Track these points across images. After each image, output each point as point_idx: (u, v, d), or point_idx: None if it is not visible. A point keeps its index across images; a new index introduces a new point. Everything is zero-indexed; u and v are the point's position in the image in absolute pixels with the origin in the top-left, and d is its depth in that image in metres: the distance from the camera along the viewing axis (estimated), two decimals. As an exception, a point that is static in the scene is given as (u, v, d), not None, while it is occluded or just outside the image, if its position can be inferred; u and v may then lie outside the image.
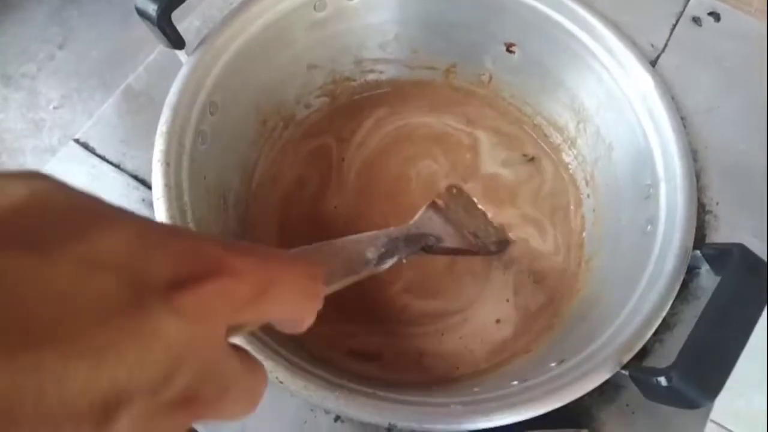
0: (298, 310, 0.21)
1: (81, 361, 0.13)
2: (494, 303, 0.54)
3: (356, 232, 0.54)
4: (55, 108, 0.65)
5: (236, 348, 0.20)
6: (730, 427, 0.43)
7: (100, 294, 0.14)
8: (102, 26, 0.71)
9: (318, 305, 0.22)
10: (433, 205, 0.50)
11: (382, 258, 0.37)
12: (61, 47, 0.69)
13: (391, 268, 0.38)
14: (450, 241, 0.48)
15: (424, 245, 0.44)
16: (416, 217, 0.48)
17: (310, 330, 0.23)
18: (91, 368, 0.14)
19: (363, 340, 0.51)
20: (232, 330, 0.20)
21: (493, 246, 0.54)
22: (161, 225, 0.18)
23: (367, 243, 0.37)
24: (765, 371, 0.43)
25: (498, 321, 0.53)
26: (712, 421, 0.42)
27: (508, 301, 0.54)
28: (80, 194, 0.16)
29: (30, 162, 0.66)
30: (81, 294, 0.14)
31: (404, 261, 0.41)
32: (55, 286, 0.14)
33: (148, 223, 0.17)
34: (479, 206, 0.56)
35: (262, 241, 0.56)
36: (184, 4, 0.49)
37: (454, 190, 0.56)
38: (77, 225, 0.15)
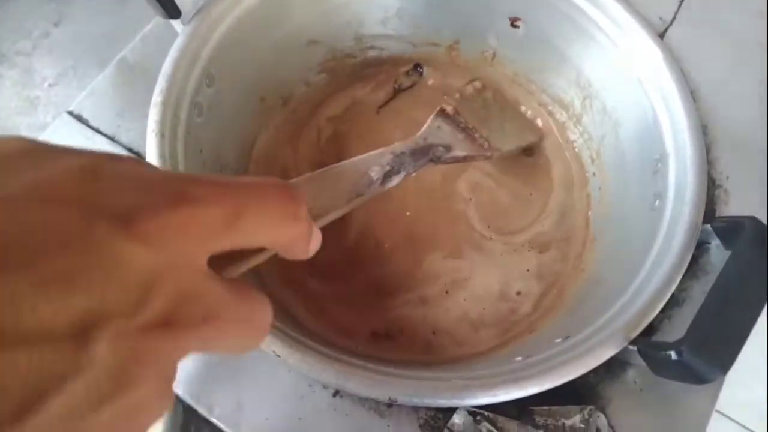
0: (282, 233, 0.21)
1: (51, 287, 0.14)
2: (497, 277, 0.53)
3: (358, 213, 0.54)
4: (50, 85, 0.64)
5: (231, 280, 0.19)
6: (732, 416, 0.41)
7: (57, 225, 0.15)
8: (98, 3, 0.69)
9: (306, 226, 0.21)
10: (442, 112, 0.47)
11: (387, 176, 0.36)
12: (56, 24, 0.68)
13: (398, 185, 0.37)
14: (460, 149, 0.45)
15: (432, 157, 0.42)
16: (423, 127, 0.45)
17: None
18: (61, 292, 0.14)
19: (382, 317, 0.51)
20: (226, 262, 0.20)
21: (513, 147, 0.51)
22: (123, 161, 0.17)
23: (371, 162, 0.35)
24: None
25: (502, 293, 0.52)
26: (718, 411, 0.41)
27: (509, 281, 0.53)
28: (44, 143, 0.17)
29: (25, 141, 0.65)
30: (39, 225, 0.14)
31: (412, 175, 0.39)
32: (14, 219, 0.14)
33: (106, 158, 0.17)
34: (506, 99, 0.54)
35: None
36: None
37: (477, 84, 0.53)
38: (33, 163, 0.16)
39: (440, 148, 0.43)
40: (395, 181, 0.37)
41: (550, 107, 0.60)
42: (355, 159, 0.36)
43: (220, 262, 0.19)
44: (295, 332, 0.39)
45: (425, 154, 0.42)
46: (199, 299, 0.17)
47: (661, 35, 0.52)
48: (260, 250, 0.22)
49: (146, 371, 0.15)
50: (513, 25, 0.58)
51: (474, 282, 0.53)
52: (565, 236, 0.55)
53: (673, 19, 0.53)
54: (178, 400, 0.43)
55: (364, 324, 0.50)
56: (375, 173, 0.35)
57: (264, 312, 0.20)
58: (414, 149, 0.41)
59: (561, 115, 0.59)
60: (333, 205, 0.30)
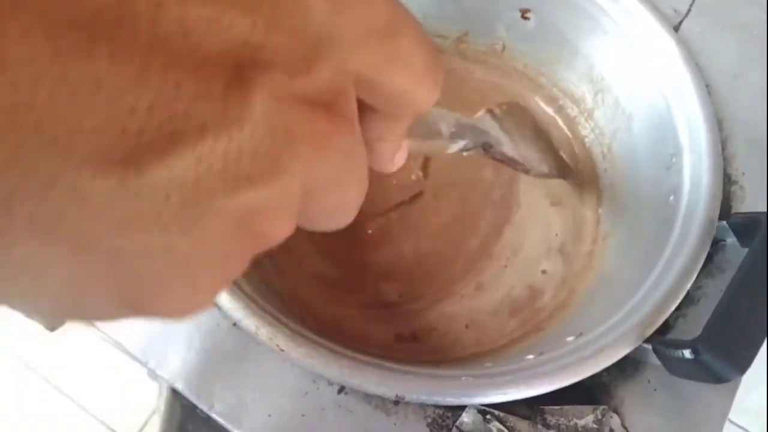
0: (416, 88, 0.17)
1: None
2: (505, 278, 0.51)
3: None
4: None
5: None
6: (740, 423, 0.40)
7: None
8: None
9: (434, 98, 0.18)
10: (490, 111, 0.46)
11: (453, 136, 0.35)
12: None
13: (456, 153, 0.36)
14: (507, 148, 0.45)
15: (485, 143, 0.41)
16: (477, 115, 0.44)
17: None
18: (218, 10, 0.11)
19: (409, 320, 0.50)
20: None
21: (545, 171, 0.51)
22: None
23: (439, 117, 0.34)
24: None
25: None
26: (730, 421, 0.40)
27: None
28: None
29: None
30: None
31: (464, 154, 0.38)
32: None
33: None
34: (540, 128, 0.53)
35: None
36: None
37: (504, 108, 0.53)
38: None
39: (493, 138, 0.43)
40: (456, 146, 0.36)
41: (560, 102, 0.59)
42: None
43: None
44: (299, 326, 0.38)
45: (481, 135, 0.41)
46: (352, 98, 0.15)
47: (676, 28, 0.51)
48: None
49: (292, 159, 0.13)
50: (523, 17, 0.57)
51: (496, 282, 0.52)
52: (575, 234, 0.54)
53: (688, 11, 0.52)
54: (177, 397, 0.42)
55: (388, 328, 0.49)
56: (444, 127, 0.34)
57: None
58: (474, 126, 0.40)
59: (572, 110, 0.58)
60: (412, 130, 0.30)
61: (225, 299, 0.38)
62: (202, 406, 0.38)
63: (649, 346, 0.38)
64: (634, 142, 0.51)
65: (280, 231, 0.14)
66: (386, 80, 0.16)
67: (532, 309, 0.50)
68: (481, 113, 0.44)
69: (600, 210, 0.54)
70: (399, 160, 0.22)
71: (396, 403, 0.38)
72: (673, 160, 0.46)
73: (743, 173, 0.46)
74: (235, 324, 0.38)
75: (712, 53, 0.50)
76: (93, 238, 0.11)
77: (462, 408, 0.38)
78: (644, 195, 0.49)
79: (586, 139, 0.57)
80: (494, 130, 0.44)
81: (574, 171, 0.55)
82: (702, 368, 0.35)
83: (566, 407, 0.38)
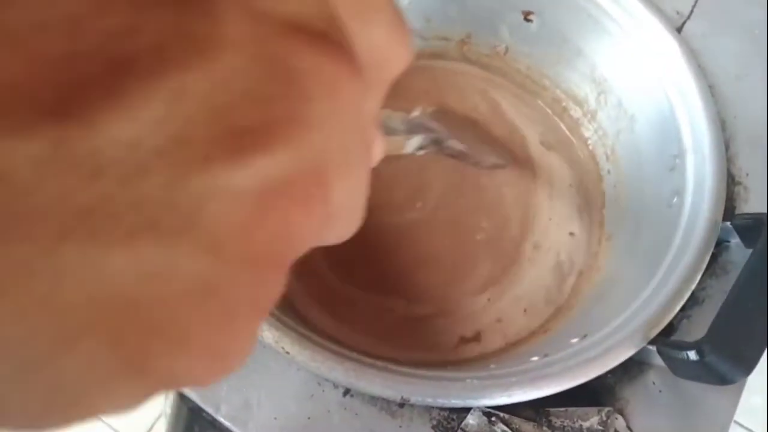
0: (391, 39, 0.14)
1: None
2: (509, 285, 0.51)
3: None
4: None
5: None
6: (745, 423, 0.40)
7: None
8: None
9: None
10: (424, 111, 0.46)
11: (407, 133, 0.36)
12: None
13: (412, 153, 0.36)
14: (455, 143, 0.44)
15: (435, 138, 0.41)
16: (414, 113, 0.43)
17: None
18: None
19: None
20: None
21: (494, 159, 0.51)
22: None
23: (387, 116, 0.34)
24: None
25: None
26: (736, 422, 0.40)
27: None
28: None
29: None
30: None
31: (420, 153, 0.38)
32: None
33: None
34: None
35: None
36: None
37: (434, 109, 0.52)
38: None
39: (442, 133, 0.42)
40: (412, 144, 0.36)
41: (564, 103, 0.59)
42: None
43: None
44: (306, 329, 0.38)
45: (431, 130, 0.41)
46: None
47: (679, 29, 0.51)
48: None
49: (302, 102, 0.10)
50: (526, 19, 0.57)
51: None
52: (580, 234, 0.54)
53: (691, 12, 0.52)
54: (183, 401, 0.42)
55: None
56: (396, 124, 0.34)
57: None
58: (422, 123, 0.40)
59: (575, 112, 0.58)
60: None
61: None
62: (208, 409, 0.38)
63: (653, 348, 0.38)
64: (637, 143, 0.51)
65: (314, 219, 0.10)
66: (362, 30, 0.13)
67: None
68: (417, 113, 0.43)
69: (604, 211, 0.54)
70: (376, 153, 0.17)
71: (401, 405, 0.38)
72: (677, 161, 0.46)
73: (747, 174, 0.46)
74: (240, 327, 0.38)
75: (714, 54, 0.50)
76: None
77: (467, 410, 0.38)
78: (648, 196, 0.49)
79: (590, 141, 0.57)
80: (439, 127, 0.43)
81: (519, 157, 0.54)
82: (707, 370, 0.35)
83: (571, 409, 0.38)
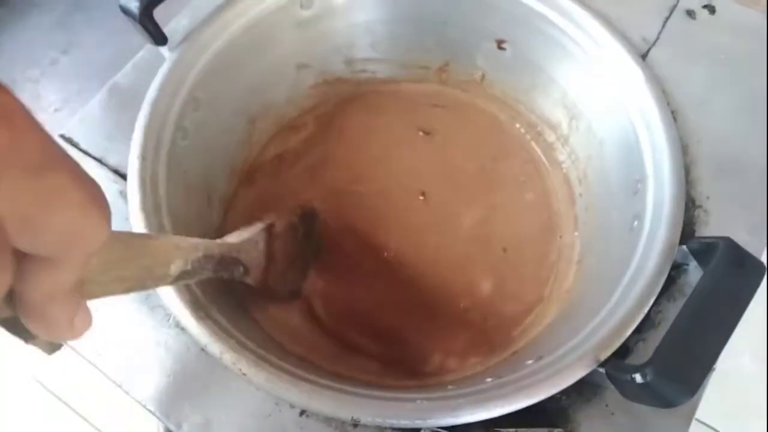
0: (80, 223, 0.17)
1: None
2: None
3: (348, 238, 0.54)
4: (56, 110, 0.67)
5: None
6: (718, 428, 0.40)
7: None
8: (106, 31, 0.73)
9: (102, 236, 0.18)
10: (268, 229, 0.45)
11: (181, 276, 0.32)
12: (65, 52, 0.71)
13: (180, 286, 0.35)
14: (251, 278, 0.42)
15: (230, 272, 0.39)
16: (244, 235, 0.42)
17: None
18: None
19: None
20: None
21: (286, 291, 0.50)
22: None
23: (180, 253, 0.32)
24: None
25: (486, 319, 0.52)
26: (699, 420, 0.40)
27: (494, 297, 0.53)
28: None
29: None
30: None
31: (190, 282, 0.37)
32: None
33: None
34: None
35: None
36: (172, 4, 0.49)
37: (306, 211, 0.52)
38: None
39: (241, 269, 0.41)
40: (185, 282, 0.34)
41: (538, 128, 0.60)
42: (170, 239, 0.33)
43: None
44: (262, 350, 0.40)
45: (227, 268, 0.39)
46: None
47: (644, 55, 0.52)
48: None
49: None
50: (500, 47, 0.58)
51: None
52: (553, 259, 0.55)
53: (657, 39, 0.53)
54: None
55: None
56: (175, 268, 0.31)
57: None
58: (223, 257, 0.38)
59: (549, 136, 0.59)
60: (114, 285, 0.26)
61: (193, 325, 0.40)
62: (171, 426, 0.40)
63: (603, 370, 0.39)
64: (606, 167, 0.52)
65: None
66: (45, 218, 0.16)
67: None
68: (256, 231, 0.43)
69: (576, 233, 0.55)
70: (81, 324, 0.19)
71: (355, 425, 0.40)
72: (639, 185, 0.47)
73: (708, 197, 0.47)
74: (203, 348, 0.40)
75: (679, 79, 0.51)
76: None
77: (419, 430, 0.39)
78: (614, 220, 0.50)
79: (563, 165, 0.58)
80: (255, 255, 0.42)
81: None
82: (651, 392, 0.36)
83: (520, 429, 0.39)
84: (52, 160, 0.16)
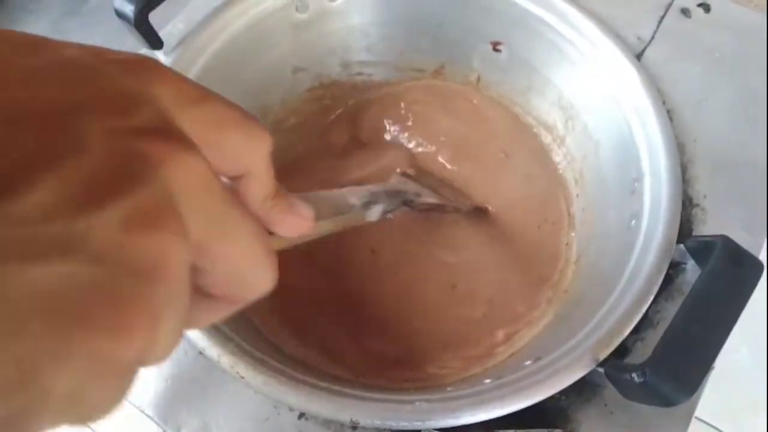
0: (245, 137, 0.20)
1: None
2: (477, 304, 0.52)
3: (349, 241, 0.55)
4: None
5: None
6: (718, 426, 0.40)
7: None
8: (101, 36, 0.72)
9: (268, 143, 0.21)
10: (405, 174, 0.51)
11: (366, 205, 0.36)
12: (60, 58, 0.70)
13: (379, 219, 0.38)
14: (429, 196, 0.48)
15: (405, 199, 0.44)
16: (391, 180, 0.48)
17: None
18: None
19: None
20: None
21: (467, 204, 0.56)
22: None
23: (348, 193, 0.36)
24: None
25: (485, 315, 0.52)
26: (698, 419, 0.40)
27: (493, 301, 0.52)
28: None
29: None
30: None
31: (390, 216, 0.40)
32: None
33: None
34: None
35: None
36: (168, 8, 0.49)
37: (414, 170, 0.57)
38: None
39: (411, 194, 0.46)
40: (374, 212, 0.37)
41: (534, 129, 0.60)
42: (330, 191, 0.36)
43: None
44: (260, 353, 0.40)
45: (398, 195, 0.43)
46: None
47: (639, 55, 0.52)
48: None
49: (146, 167, 0.14)
50: (495, 49, 0.58)
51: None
52: (550, 257, 0.55)
53: (652, 38, 0.53)
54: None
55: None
56: (354, 200, 0.36)
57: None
58: (387, 190, 0.42)
59: (545, 137, 0.59)
60: (320, 211, 0.31)
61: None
62: (169, 430, 0.40)
63: (602, 370, 0.39)
64: (602, 167, 0.52)
65: (172, 236, 0.14)
66: (218, 136, 0.18)
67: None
68: (395, 176, 0.49)
69: (572, 233, 0.55)
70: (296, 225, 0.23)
71: (354, 428, 0.40)
72: (636, 184, 0.47)
73: (705, 196, 0.47)
74: (201, 352, 0.40)
75: (675, 78, 0.51)
76: None
77: (418, 431, 0.39)
78: (611, 219, 0.50)
79: (560, 165, 0.58)
80: (412, 186, 0.47)
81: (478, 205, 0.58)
82: (650, 391, 0.36)
83: (520, 431, 0.39)
84: (209, 92, 0.19)
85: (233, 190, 0.20)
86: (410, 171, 0.53)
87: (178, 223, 0.15)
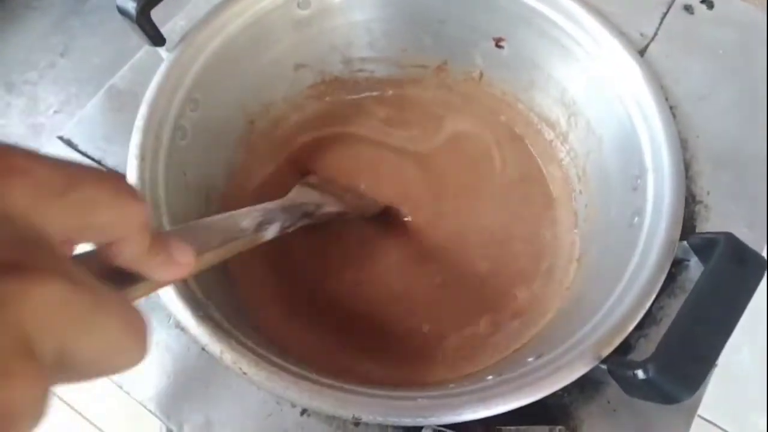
0: (123, 211, 0.19)
1: None
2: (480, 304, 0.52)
3: (350, 239, 0.55)
4: (55, 112, 0.67)
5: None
6: (720, 424, 0.40)
7: None
8: (103, 35, 0.72)
9: (144, 207, 0.20)
10: (306, 183, 0.51)
11: (260, 226, 0.36)
12: (62, 55, 0.70)
13: (276, 236, 0.38)
14: (330, 206, 0.48)
15: (305, 212, 0.44)
16: (290, 192, 0.48)
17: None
18: None
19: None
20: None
21: (374, 207, 0.55)
22: None
23: (241, 216, 0.36)
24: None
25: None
26: (701, 417, 0.40)
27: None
28: None
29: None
30: None
31: (290, 230, 0.41)
32: None
33: None
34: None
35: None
36: (170, 5, 0.49)
37: (315, 178, 0.57)
38: None
39: (311, 205, 0.46)
40: (271, 231, 0.38)
41: (537, 126, 0.60)
42: (224, 214, 0.37)
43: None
44: (262, 349, 0.40)
45: (297, 210, 0.44)
46: (47, 251, 0.16)
47: (642, 51, 0.52)
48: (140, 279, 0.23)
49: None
50: (497, 46, 0.58)
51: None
52: (552, 256, 0.55)
53: (655, 34, 0.53)
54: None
55: None
56: (247, 223, 0.36)
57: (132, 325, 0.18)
58: (284, 206, 0.43)
59: (548, 134, 0.59)
60: (206, 245, 0.31)
61: (193, 325, 0.39)
62: (172, 427, 0.40)
63: (605, 367, 0.39)
64: (605, 164, 0.52)
65: (30, 396, 0.14)
66: (89, 220, 0.18)
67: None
68: (295, 188, 0.49)
69: (575, 230, 0.55)
70: (177, 270, 0.24)
71: (356, 424, 0.40)
72: (638, 181, 0.47)
73: (708, 192, 0.46)
74: (203, 348, 0.40)
75: (678, 75, 0.51)
76: None
77: (420, 428, 0.39)
78: (613, 216, 0.50)
79: (563, 162, 0.58)
80: (312, 197, 0.48)
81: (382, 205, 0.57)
82: (653, 388, 0.36)
83: (522, 427, 0.39)
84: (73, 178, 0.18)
85: (105, 247, 0.20)
86: (311, 179, 0.52)
87: (30, 368, 0.14)
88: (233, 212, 0.37)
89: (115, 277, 0.22)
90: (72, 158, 0.20)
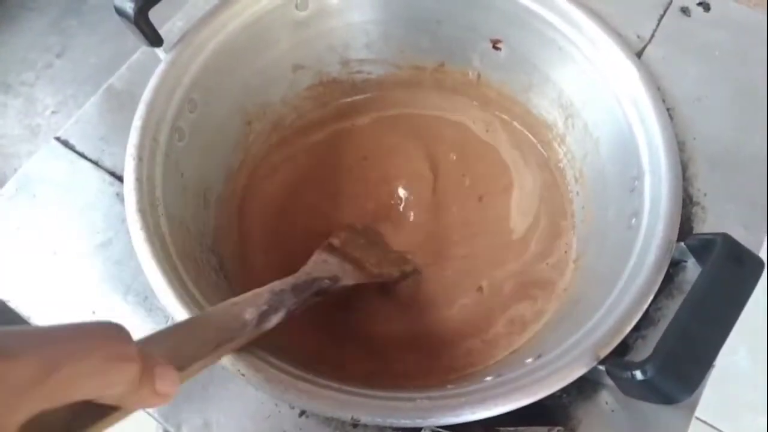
0: (110, 380, 0.20)
1: None
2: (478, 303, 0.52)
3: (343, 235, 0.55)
4: (52, 113, 0.67)
5: None
6: (716, 425, 0.40)
7: None
8: (100, 35, 0.72)
9: (138, 367, 0.21)
10: (328, 247, 0.47)
11: (264, 315, 0.34)
12: (59, 56, 0.70)
13: (279, 323, 0.36)
14: (349, 278, 0.44)
15: (317, 290, 0.41)
16: (308, 262, 0.44)
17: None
18: None
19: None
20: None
21: (396, 273, 0.52)
22: None
23: (246, 304, 0.34)
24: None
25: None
26: (698, 419, 0.40)
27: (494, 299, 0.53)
28: None
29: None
30: None
31: (296, 314, 0.38)
32: None
33: None
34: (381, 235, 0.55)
35: (245, 245, 0.55)
36: (168, 5, 0.49)
37: (358, 227, 0.54)
38: None
39: (326, 281, 0.42)
40: (274, 320, 0.36)
41: (534, 128, 0.60)
42: (227, 302, 0.35)
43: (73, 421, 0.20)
44: (261, 350, 0.39)
45: (308, 288, 0.41)
46: None
47: (639, 53, 0.52)
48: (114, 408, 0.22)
49: None
50: (495, 47, 0.58)
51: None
52: (551, 256, 0.55)
53: (652, 36, 0.53)
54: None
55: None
56: (249, 314, 0.34)
57: None
58: (295, 285, 0.40)
59: (546, 136, 0.59)
60: (197, 354, 0.30)
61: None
62: (170, 428, 0.40)
63: (603, 368, 0.39)
64: (602, 165, 0.52)
65: None
66: (76, 394, 0.19)
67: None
68: (315, 255, 0.45)
69: (572, 232, 0.55)
70: (166, 389, 0.24)
71: (355, 425, 0.40)
72: (636, 183, 0.47)
73: (705, 194, 0.47)
74: (201, 350, 0.40)
75: (675, 76, 0.51)
76: None
77: (419, 429, 0.39)
78: (611, 217, 0.50)
79: (560, 164, 0.58)
80: (333, 267, 0.44)
81: (410, 262, 0.55)
82: (651, 389, 0.36)
83: (521, 428, 0.39)
84: (56, 361, 0.18)
85: None
86: (335, 241, 0.49)
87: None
88: (237, 300, 0.35)
89: (83, 412, 0.21)
90: (63, 324, 0.19)
